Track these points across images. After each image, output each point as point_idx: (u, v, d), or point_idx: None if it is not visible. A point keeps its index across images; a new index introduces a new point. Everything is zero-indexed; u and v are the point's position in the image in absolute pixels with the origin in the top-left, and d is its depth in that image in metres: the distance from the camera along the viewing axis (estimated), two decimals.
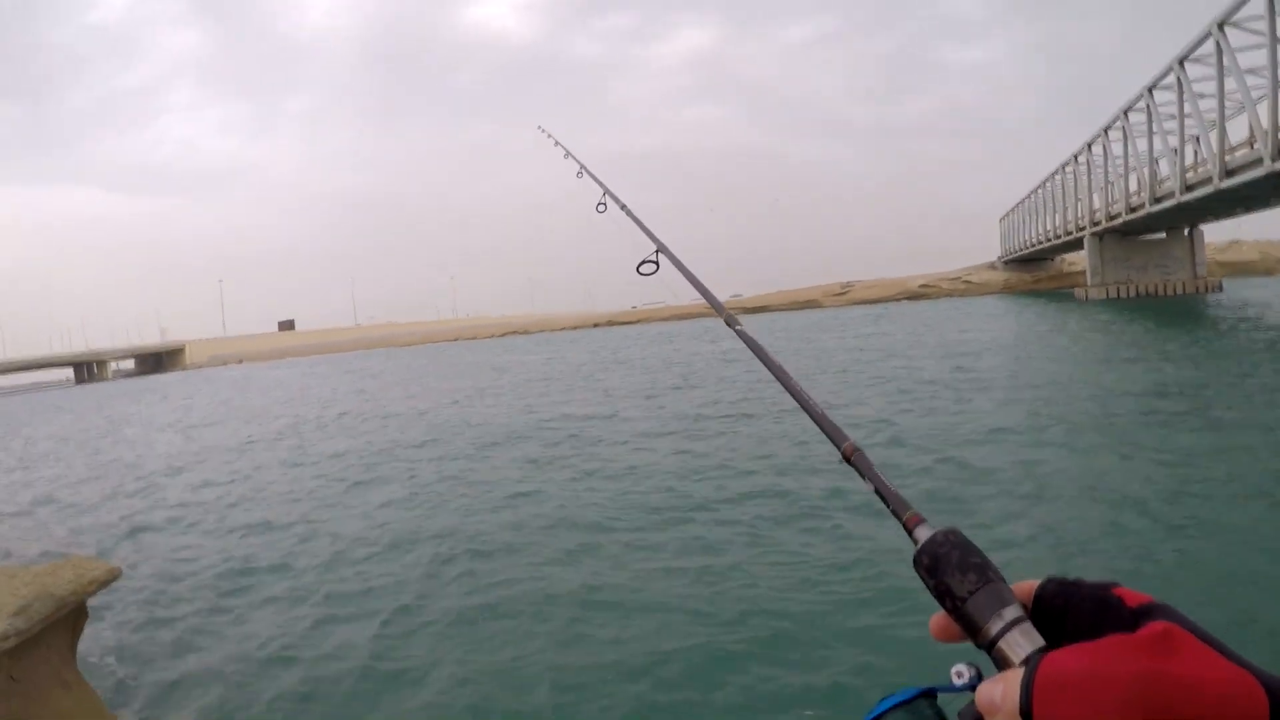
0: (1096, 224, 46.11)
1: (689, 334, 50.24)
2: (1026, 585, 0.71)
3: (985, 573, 0.69)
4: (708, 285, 1.80)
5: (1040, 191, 59.83)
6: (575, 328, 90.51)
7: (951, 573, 0.71)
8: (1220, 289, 46.30)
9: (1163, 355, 19.25)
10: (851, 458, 0.93)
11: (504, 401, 22.68)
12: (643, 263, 2.27)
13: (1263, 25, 22.05)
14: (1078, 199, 49.94)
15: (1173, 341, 22.56)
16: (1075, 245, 53.55)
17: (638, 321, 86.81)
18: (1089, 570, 5.80)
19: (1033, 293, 67.55)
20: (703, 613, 6.16)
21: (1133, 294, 45.71)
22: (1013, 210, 73.51)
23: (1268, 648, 4.93)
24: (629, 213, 2.54)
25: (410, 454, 15.04)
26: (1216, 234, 54.53)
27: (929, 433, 12.19)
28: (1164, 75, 31.99)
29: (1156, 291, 45.71)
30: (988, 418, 12.86)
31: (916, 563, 0.74)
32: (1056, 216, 55.66)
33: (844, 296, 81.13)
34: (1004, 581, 0.69)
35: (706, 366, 27.14)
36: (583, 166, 3.69)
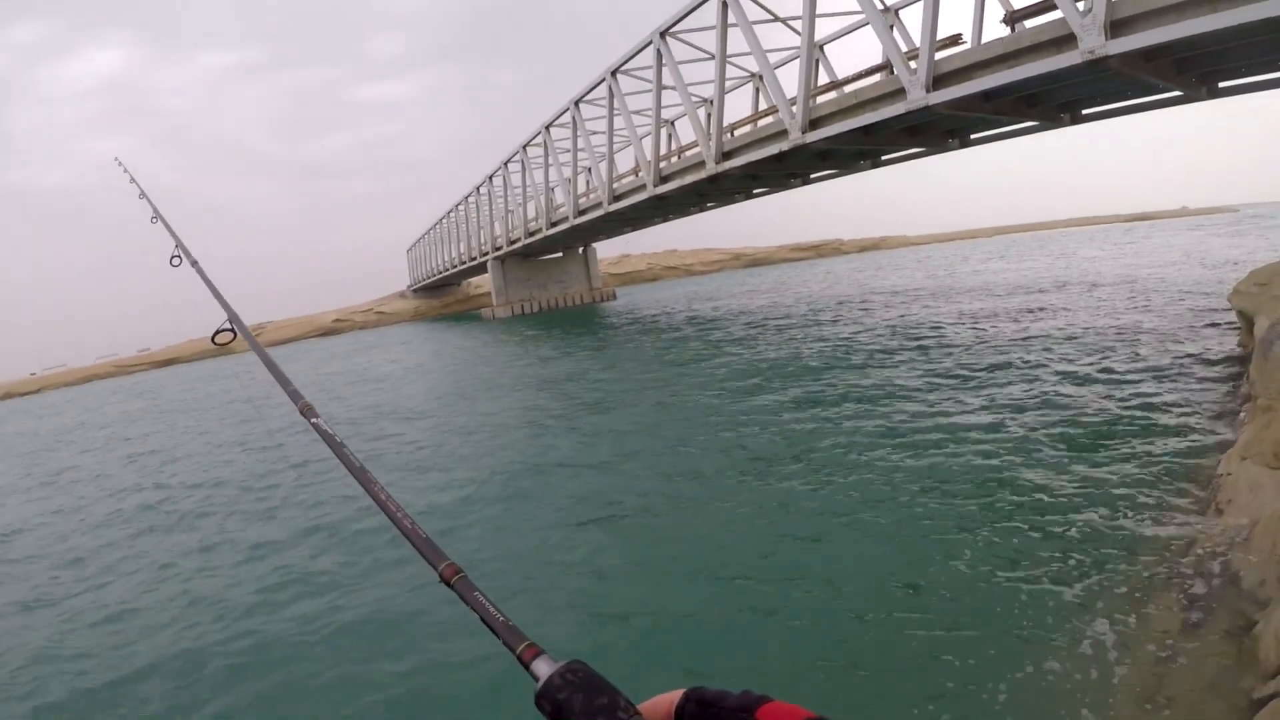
0: (499, 248, 51.11)
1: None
2: (666, 700, 0.76)
3: (614, 714, 0.69)
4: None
5: (445, 221, 64.10)
6: None
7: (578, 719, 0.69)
8: (614, 297, 55.53)
9: (564, 351, 26.84)
10: (452, 581, 0.92)
11: None
12: (217, 332, 2.52)
13: (650, 74, 27.05)
14: (480, 227, 54.71)
15: (566, 339, 30.97)
16: (480, 269, 58.53)
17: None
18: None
19: (443, 317, 71.91)
20: None
21: (536, 309, 51.82)
22: (420, 240, 77.28)
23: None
24: (201, 272, 2.57)
25: None
26: (609, 250, 64.79)
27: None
28: (561, 114, 37.00)
29: (558, 304, 52.59)
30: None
31: (539, 706, 0.73)
32: (461, 244, 60.20)
33: (259, 338, 75.62)
34: (637, 715, 0.70)
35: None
36: (156, 213, 3.39)
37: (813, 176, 28.87)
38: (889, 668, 4.81)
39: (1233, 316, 13.28)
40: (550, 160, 39.93)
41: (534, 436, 13.28)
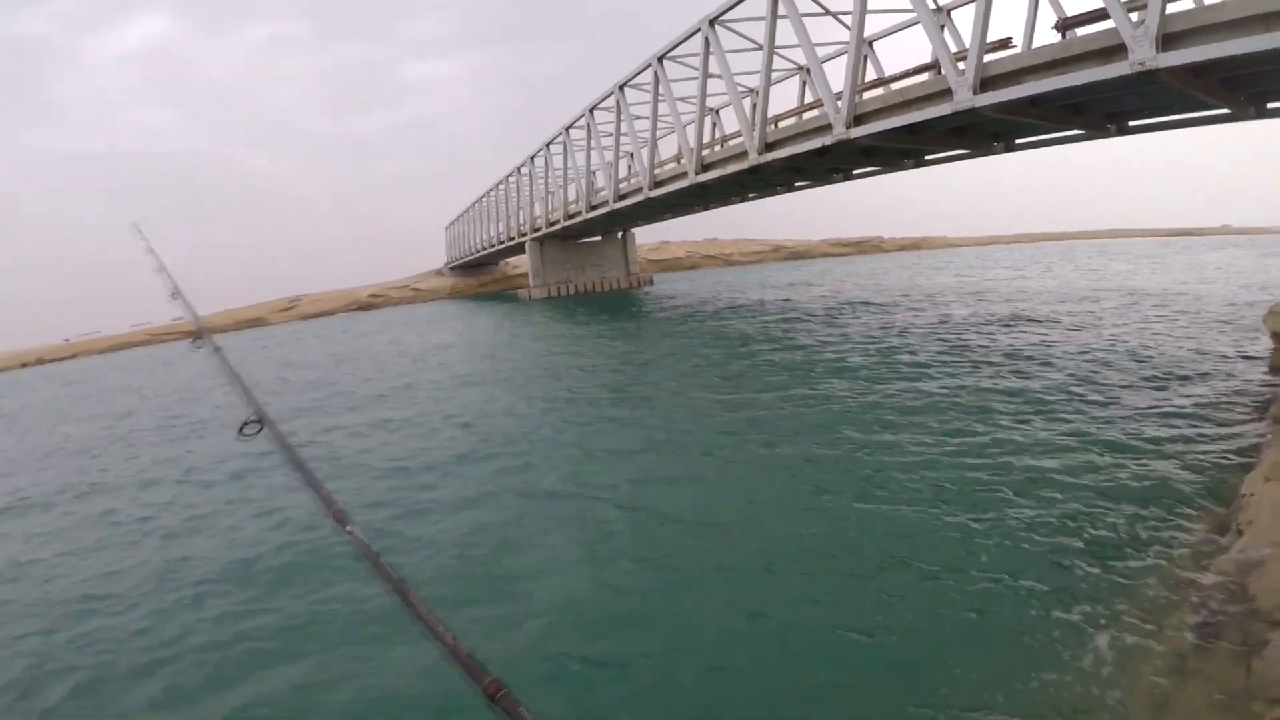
0: (537, 230, 51.48)
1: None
2: None
3: None
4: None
5: (485, 201, 64.58)
6: None
7: None
8: (651, 283, 55.77)
9: (600, 334, 27.69)
10: (496, 697, 0.79)
11: None
12: (245, 424, 2.44)
13: (696, 61, 27.14)
14: (519, 207, 55.07)
15: (609, 321, 31.63)
16: (518, 250, 58.98)
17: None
18: None
19: (479, 296, 72.56)
20: None
21: (572, 292, 52.24)
22: (458, 219, 77.95)
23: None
24: (223, 359, 2.73)
25: None
26: (648, 236, 64.93)
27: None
28: (605, 98, 37.16)
29: (594, 289, 52.97)
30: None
31: None
32: (500, 224, 60.67)
33: (291, 312, 77.03)
34: None
35: None
36: (176, 289, 3.29)
37: (855, 173, 28.78)
38: (892, 674, 4.87)
39: (1267, 338, 13.20)
40: (592, 144, 40.11)
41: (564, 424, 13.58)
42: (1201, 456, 8.31)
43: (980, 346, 17.28)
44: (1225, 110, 16.61)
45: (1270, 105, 16.89)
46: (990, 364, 15.02)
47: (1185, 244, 71.59)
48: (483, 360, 23.64)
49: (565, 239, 52.69)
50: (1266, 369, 12.19)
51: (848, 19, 20.56)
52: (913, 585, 6.04)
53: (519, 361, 22.33)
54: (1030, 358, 15.38)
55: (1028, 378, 13.50)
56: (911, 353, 17.14)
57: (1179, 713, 4.06)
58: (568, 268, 53.12)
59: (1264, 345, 13.81)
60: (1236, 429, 9.23)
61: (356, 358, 29.00)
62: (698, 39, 26.43)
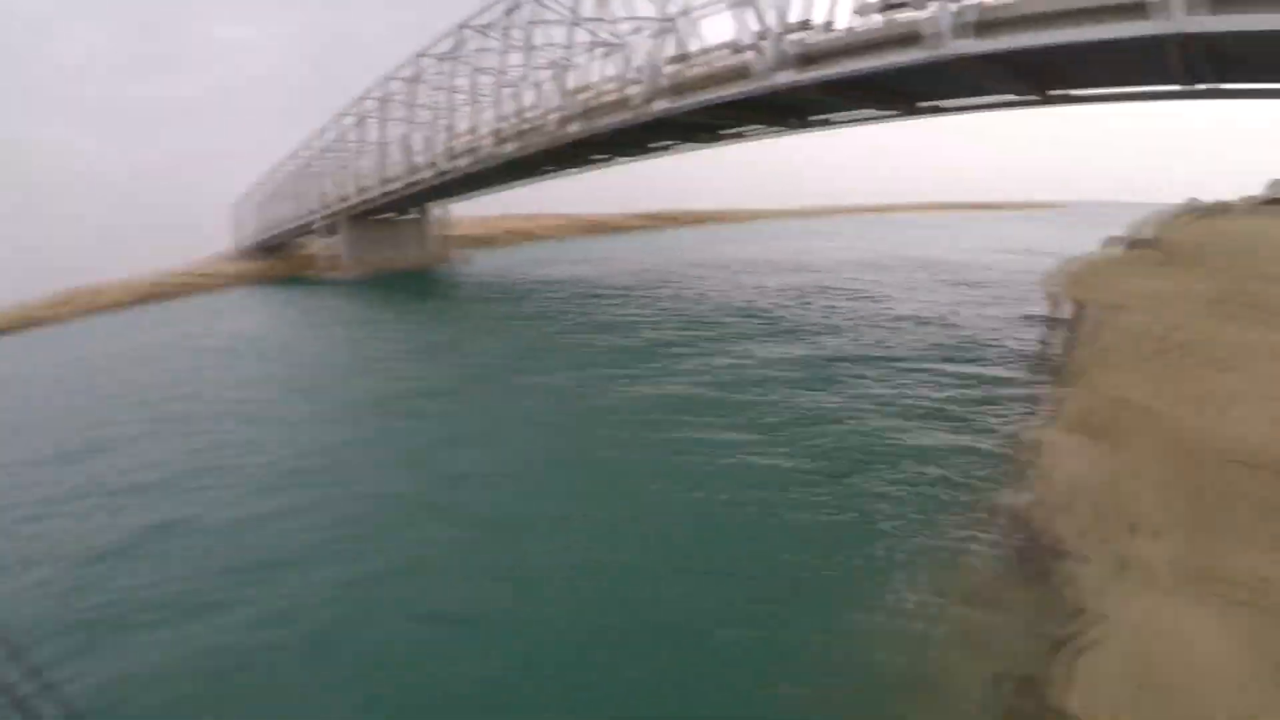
0: (336, 208, 47.93)
1: None
2: None
3: None
4: None
5: (280, 175, 59.69)
6: None
7: None
8: (456, 260, 53.03)
9: (400, 316, 25.93)
10: None
11: None
12: None
13: (507, 31, 25.60)
14: (317, 184, 51.07)
15: (407, 304, 29.91)
16: (316, 229, 54.79)
17: None
18: None
19: (275, 279, 67.16)
20: None
21: (374, 272, 48.98)
22: (248, 196, 71.82)
23: None
24: None
25: None
26: (460, 211, 61.33)
27: None
28: (403, 67, 34.69)
29: (396, 267, 49.83)
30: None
31: None
32: (296, 202, 56.17)
33: (68, 306, 67.60)
34: None
35: None
36: None
37: (673, 146, 28.12)
38: (720, 631, 5.14)
39: (1050, 301, 13.82)
40: (391, 116, 37.55)
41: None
42: (996, 409, 9.12)
43: (787, 318, 17.19)
44: (1015, 96, 17.32)
45: (1051, 93, 17.65)
46: (794, 334, 15.03)
47: (992, 216, 77.46)
48: (274, 363, 21.09)
49: (365, 216, 49.29)
50: (1051, 327, 12.74)
51: None
52: (725, 554, 6.33)
53: (311, 362, 20.05)
54: (836, 327, 15.42)
55: (827, 345, 13.69)
56: (720, 325, 16.75)
57: (984, 639, 4.57)
58: (376, 246, 49.55)
59: (1046, 308, 14.35)
60: (1021, 385, 10.10)
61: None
62: (503, 8, 25.08)
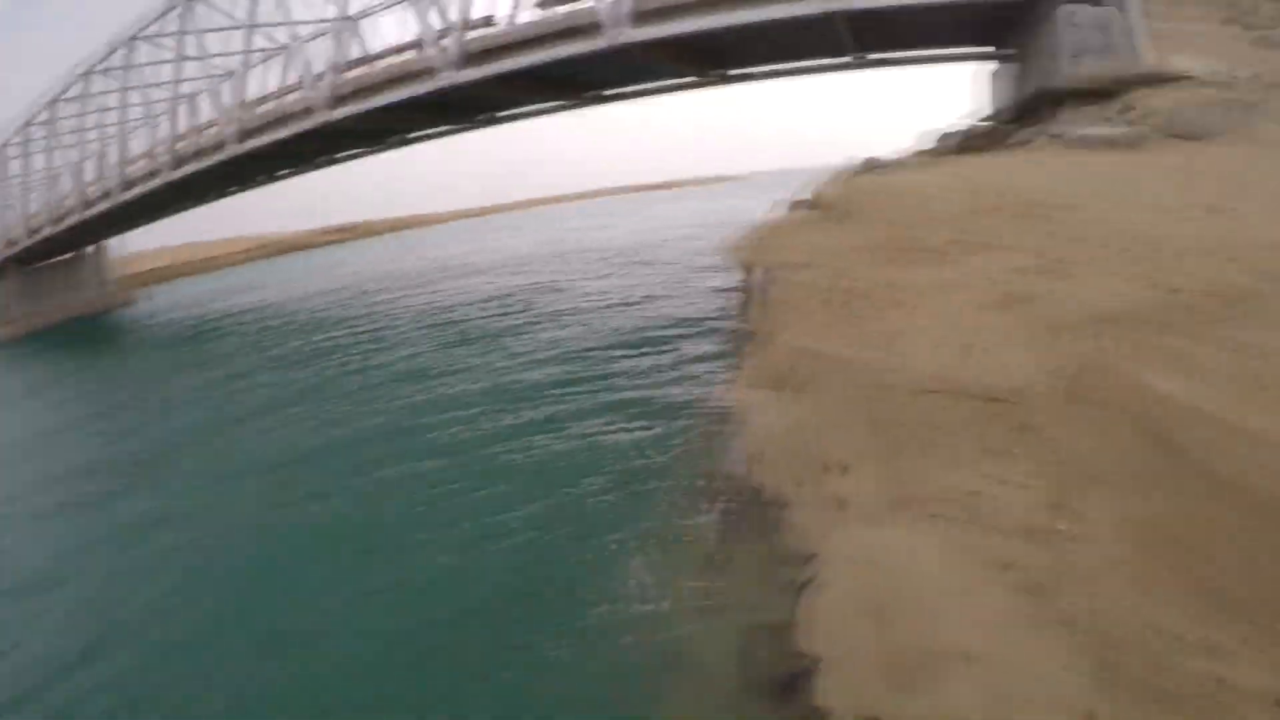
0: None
1: None
2: None
3: None
4: None
5: None
6: None
7: None
8: (138, 299, 45.94)
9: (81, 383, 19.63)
10: None
11: None
12: None
13: (172, 42, 22.73)
14: None
15: (79, 363, 23.38)
16: None
17: None
18: None
19: None
20: None
21: (43, 325, 41.77)
22: None
23: None
24: None
25: None
26: (132, 244, 53.74)
27: None
28: (69, 87, 30.18)
29: (71, 314, 42.65)
30: None
31: None
32: None
33: None
34: None
35: None
36: None
37: (366, 152, 26.17)
38: (463, 652, 4.98)
39: (731, 268, 13.78)
40: (56, 143, 32.65)
41: None
42: (694, 383, 9.19)
43: (480, 325, 15.69)
44: (695, 78, 17.59)
45: (731, 72, 18.04)
46: (488, 340, 13.98)
47: (673, 195, 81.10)
48: None
49: (26, 261, 42.07)
50: (737, 292, 12.62)
51: None
52: (450, 561, 6.15)
53: None
54: (529, 327, 14.43)
55: (520, 350, 12.73)
56: (411, 345, 14.99)
57: (722, 602, 4.62)
58: (48, 293, 42.29)
59: (729, 276, 14.31)
60: (717, 353, 10.28)
61: None
62: (172, 17, 22.32)
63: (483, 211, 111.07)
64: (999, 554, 3.65)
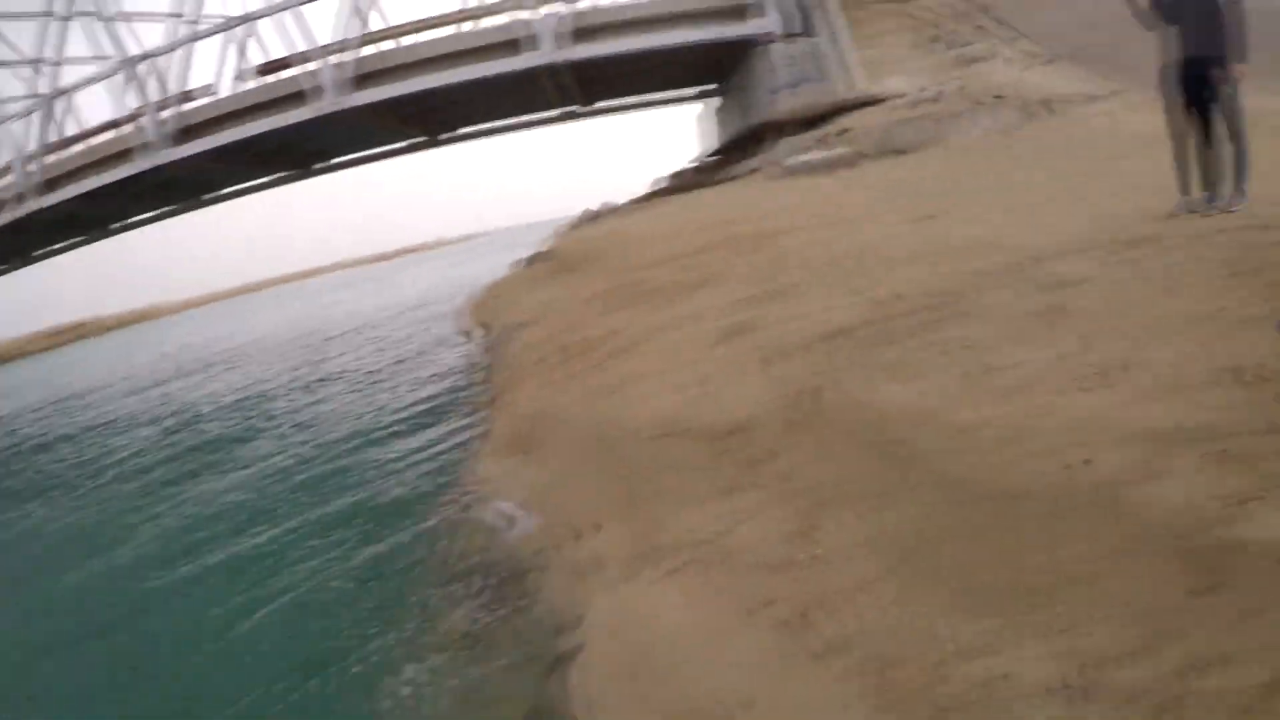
0: None
1: None
2: None
3: None
4: None
5: None
6: None
7: None
8: None
9: None
10: None
11: None
12: None
13: None
14: None
15: None
16: None
17: None
18: None
19: None
20: None
21: None
22: None
23: None
24: None
25: None
26: None
27: None
28: None
29: None
30: None
31: None
32: None
33: None
34: None
35: None
36: None
37: (70, 245, 23.16)
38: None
39: (464, 333, 13.67)
40: None
41: None
42: (442, 446, 8.66)
43: (207, 420, 13.99)
44: (419, 139, 17.74)
45: (443, 136, 18.20)
46: (214, 450, 12.46)
47: (420, 258, 78.96)
48: None
49: None
50: (469, 361, 12.41)
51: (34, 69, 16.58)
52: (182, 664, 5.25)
53: None
54: (259, 430, 13.13)
55: (262, 427, 12.14)
56: (138, 457, 13.31)
57: (479, 684, 4.20)
58: None
59: (463, 342, 13.99)
60: (467, 413, 9.65)
61: None
62: None
63: (230, 294, 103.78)
64: (756, 592, 3.61)
